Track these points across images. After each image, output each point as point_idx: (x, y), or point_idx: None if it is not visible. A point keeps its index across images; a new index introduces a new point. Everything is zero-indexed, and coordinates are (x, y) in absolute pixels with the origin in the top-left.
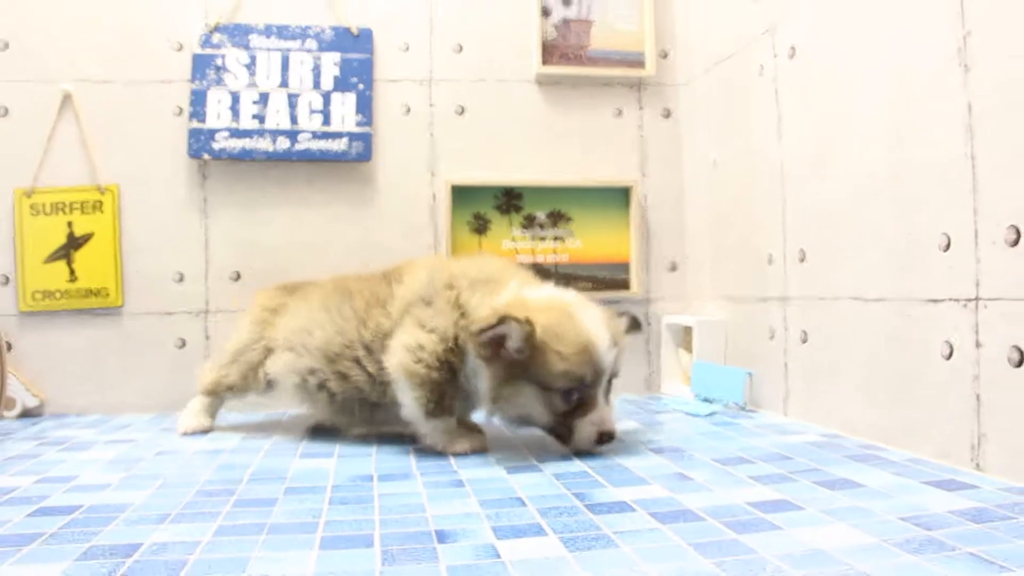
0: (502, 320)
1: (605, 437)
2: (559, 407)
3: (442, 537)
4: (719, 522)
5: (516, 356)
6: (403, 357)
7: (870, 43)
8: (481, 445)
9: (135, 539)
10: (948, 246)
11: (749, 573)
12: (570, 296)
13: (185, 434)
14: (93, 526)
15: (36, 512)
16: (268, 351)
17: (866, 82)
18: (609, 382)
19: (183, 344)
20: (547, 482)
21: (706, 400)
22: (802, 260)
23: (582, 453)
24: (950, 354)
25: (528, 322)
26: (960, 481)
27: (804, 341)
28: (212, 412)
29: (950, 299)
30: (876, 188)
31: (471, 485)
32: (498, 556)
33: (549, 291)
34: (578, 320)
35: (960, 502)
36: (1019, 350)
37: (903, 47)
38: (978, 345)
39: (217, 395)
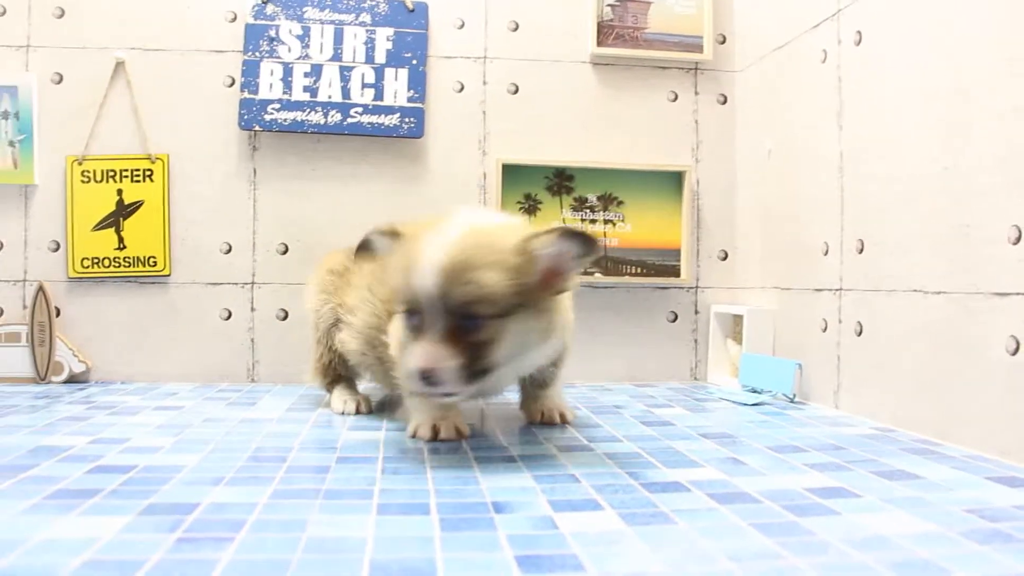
0: (366, 237)
1: (418, 374)
2: (405, 333)
3: (499, 508)
4: (777, 505)
5: None
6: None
7: (941, 29)
8: (454, 434)
9: (193, 498)
10: (1019, 239)
11: (811, 553)
12: (482, 217)
13: (343, 414)
14: (150, 485)
15: (94, 470)
16: (339, 319)
17: (936, 69)
18: (469, 321)
19: (229, 315)
20: (599, 461)
21: (754, 391)
22: (860, 251)
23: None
24: (1016, 349)
25: (390, 233)
26: (1023, 478)
27: (859, 333)
28: (354, 390)
29: (1018, 293)
30: (943, 179)
31: (523, 461)
32: (556, 527)
33: (474, 215)
34: (426, 236)
35: None
36: None
37: (977, 32)
38: None
39: (335, 379)
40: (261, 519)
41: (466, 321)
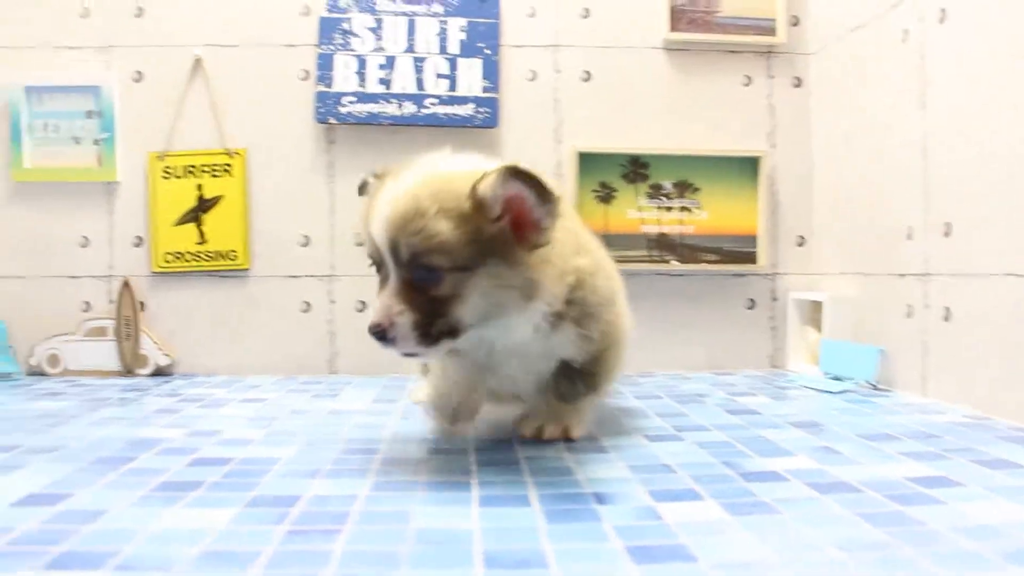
0: (363, 179)
1: (370, 329)
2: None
3: (600, 499)
4: (879, 495)
5: None
6: None
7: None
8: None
9: (294, 491)
10: None
11: (922, 543)
12: (451, 161)
13: (416, 403)
14: (250, 477)
15: (194, 463)
16: None
17: (1021, 46)
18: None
19: (308, 308)
20: (690, 450)
21: (836, 378)
22: (946, 234)
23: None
24: None
25: (379, 176)
26: None
27: (946, 319)
28: None
29: None
30: None
31: (614, 451)
32: (660, 518)
33: (444, 160)
34: (390, 181)
35: None
36: None
37: None
38: None
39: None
40: (365, 510)
41: (424, 274)
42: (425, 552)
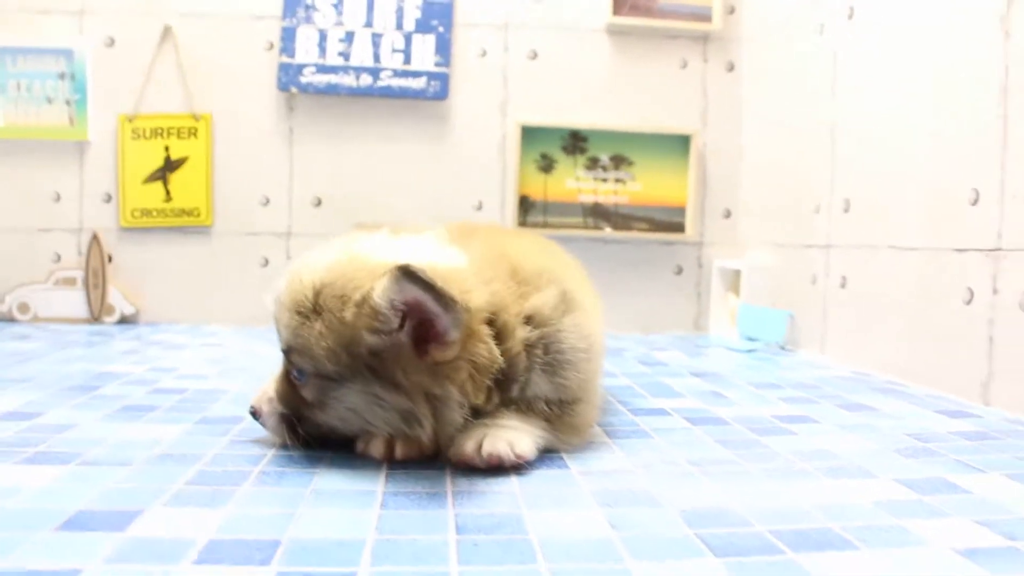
0: None
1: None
2: None
3: None
4: (743, 427)
5: None
6: None
7: (920, 7)
8: (415, 451)
9: (238, 413)
10: (976, 200)
11: (761, 461)
12: (374, 243)
13: None
14: (202, 402)
15: (153, 391)
16: None
17: (914, 44)
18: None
19: (266, 263)
20: None
21: (750, 339)
22: (846, 210)
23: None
24: (970, 300)
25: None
26: (967, 411)
27: (843, 286)
28: None
29: (974, 249)
30: (917, 145)
31: None
32: None
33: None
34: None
35: (961, 426)
36: None
37: (949, 12)
38: (995, 292)
39: None
40: None
41: (295, 370)
42: (344, 458)
